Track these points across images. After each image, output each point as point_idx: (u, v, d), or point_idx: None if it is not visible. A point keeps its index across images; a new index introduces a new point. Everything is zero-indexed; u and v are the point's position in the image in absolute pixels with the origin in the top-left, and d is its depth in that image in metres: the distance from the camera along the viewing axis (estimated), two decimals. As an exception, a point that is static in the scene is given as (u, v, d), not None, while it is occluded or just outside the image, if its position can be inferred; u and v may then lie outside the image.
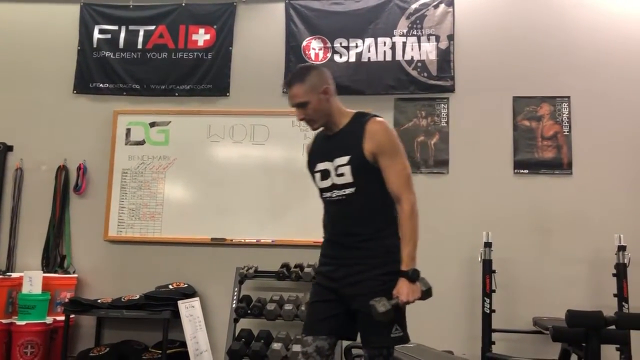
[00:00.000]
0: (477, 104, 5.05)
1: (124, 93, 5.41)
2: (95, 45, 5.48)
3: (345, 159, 2.34)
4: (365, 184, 2.34)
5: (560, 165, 4.91)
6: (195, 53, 5.38)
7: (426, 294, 2.25)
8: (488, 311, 4.45)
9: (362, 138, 2.32)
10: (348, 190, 2.35)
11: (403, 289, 2.22)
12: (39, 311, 4.69)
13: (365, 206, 2.34)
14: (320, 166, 2.43)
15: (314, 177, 2.49)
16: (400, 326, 2.30)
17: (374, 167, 2.33)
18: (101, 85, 5.45)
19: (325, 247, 2.48)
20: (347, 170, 2.34)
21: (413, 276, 2.23)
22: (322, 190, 2.45)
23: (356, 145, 2.33)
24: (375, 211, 2.34)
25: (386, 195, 2.34)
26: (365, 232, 2.34)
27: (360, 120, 2.38)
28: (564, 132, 4.95)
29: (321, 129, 2.48)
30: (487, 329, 4.41)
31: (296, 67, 2.47)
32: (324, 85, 2.41)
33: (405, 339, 2.32)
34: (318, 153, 2.47)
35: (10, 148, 5.45)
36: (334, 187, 2.38)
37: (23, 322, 4.62)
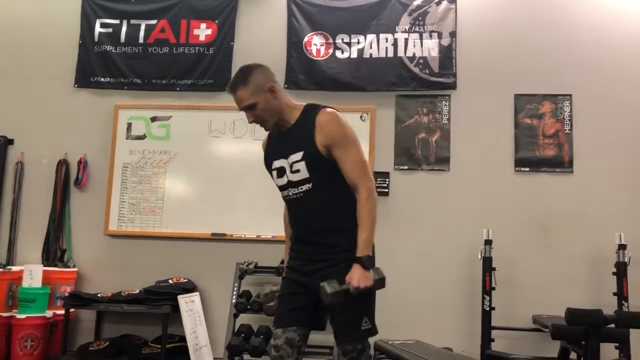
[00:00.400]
0: (478, 102, 5.05)
1: (125, 87, 5.41)
2: (96, 39, 5.47)
3: (299, 155, 2.31)
4: (323, 179, 2.31)
5: (561, 164, 4.91)
6: (197, 48, 5.38)
7: (379, 283, 2.22)
8: (488, 308, 4.45)
9: (314, 131, 2.28)
10: (305, 187, 2.33)
11: (355, 275, 2.19)
12: (39, 305, 4.70)
13: (325, 201, 2.32)
14: (276, 164, 2.40)
15: (271, 175, 2.46)
16: (369, 318, 2.30)
17: (329, 160, 2.29)
18: (102, 79, 5.44)
19: (294, 244, 2.47)
20: (302, 166, 2.31)
21: (366, 263, 2.21)
22: (280, 189, 2.43)
23: (308, 140, 2.29)
24: (336, 204, 2.31)
25: (347, 187, 2.31)
26: (329, 227, 2.32)
27: (311, 112, 2.34)
28: (566, 130, 4.94)
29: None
30: (487, 326, 4.41)
31: (238, 70, 2.42)
32: (269, 84, 2.34)
33: (373, 331, 2.32)
34: (273, 150, 2.44)
35: (11, 141, 5.45)
36: (290, 184, 2.36)
37: (23, 316, 4.63)
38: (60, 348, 4.71)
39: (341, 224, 2.30)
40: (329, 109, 2.35)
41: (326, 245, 2.31)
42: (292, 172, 2.33)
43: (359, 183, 2.27)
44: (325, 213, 2.31)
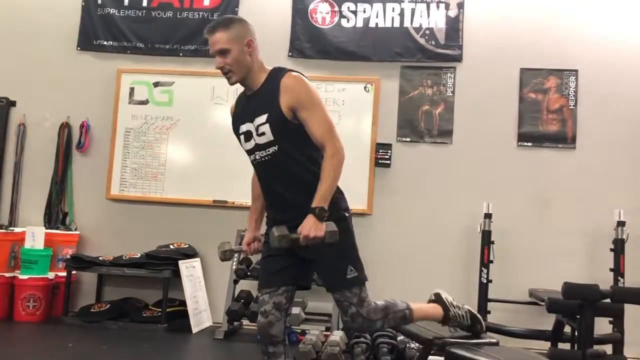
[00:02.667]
0: (483, 75, 5.01)
1: (128, 51, 5.36)
2: (99, 2, 5.41)
3: (263, 118, 2.30)
4: (288, 141, 2.30)
5: (564, 139, 4.90)
6: (201, 13, 5.32)
7: (329, 235, 2.18)
8: (485, 281, 4.50)
9: (278, 94, 2.26)
10: (271, 150, 2.32)
11: (306, 225, 2.17)
12: (41, 266, 4.75)
13: (291, 164, 2.30)
14: (243, 128, 2.39)
15: (239, 140, 2.46)
16: (354, 267, 2.32)
17: (293, 124, 2.28)
18: (105, 42, 5.39)
19: (267, 209, 2.48)
20: (266, 128, 2.30)
21: (319, 214, 2.18)
22: (248, 153, 2.42)
23: (272, 102, 2.27)
24: (304, 166, 2.30)
25: (312, 150, 2.30)
26: (296, 188, 2.31)
27: (276, 76, 2.32)
28: (570, 105, 4.92)
29: (240, 88, 2.43)
30: (483, 299, 4.47)
31: (222, 17, 2.41)
32: (248, 37, 2.32)
33: (361, 279, 2.33)
34: (240, 114, 2.43)
35: (13, 103, 5.43)
36: (257, 147, 2.35)
37: (26, 277, 4.69)
38: (62, 309, 4.78)
39: (307, 186, 2.27)
40: (294, 73, 2.33)
41: (294, 206, 2.29)
42: (257, 135, 2.33)
43: (326, 142, 2.26)
44: (292, 175, 2.30)
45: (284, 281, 2.34)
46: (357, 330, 2.31)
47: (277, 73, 2.34)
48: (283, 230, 2.20)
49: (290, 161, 2.31)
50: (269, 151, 2.33)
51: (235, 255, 4.75)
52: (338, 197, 2.34)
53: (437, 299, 2.58)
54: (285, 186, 2.33)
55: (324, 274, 2.38)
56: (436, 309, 2.55)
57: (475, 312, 2.61)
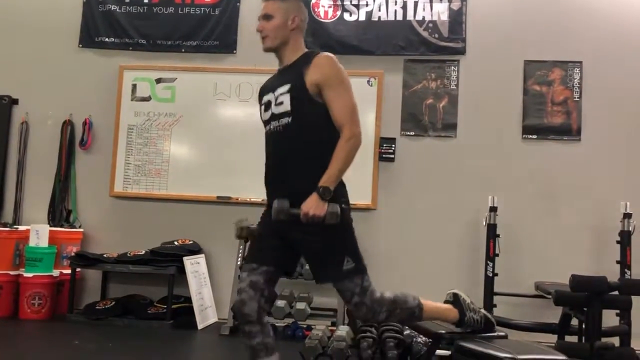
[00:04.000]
0: (487, 67, 4.99)
1: (130, 48, 5.35)
2: (100, -2, 5.40)
3: (286, 87, 2.31)
4: (304, 116, 2.28)
5: (569, 131, 4.87)
6: (202, 8, 5.29)
7: (330, 215, 2.16)
8: (491, 274, 4.49)
9: (307, 68, 2.28)
10: (284, 120, 2.30)
11: (308, 202, 2.17)
12: (46, 264, 4.75)
13: (303, 138, 2.27)
14: (265, 98, 2.40)
15: (260, 112, 2.45)
16: (350, 257, 2.28)
17: (315, 101, 2.27)
18: (107, 39, 5.38)
19: (268, 183, 2.43)
20: (286, 98, 2.30)
21: (323, 194, 2.16)
22: (264, 124, 2.41)
23: (299, 75, 2.29)
24: (314, 145, 2.26)
25: (330, 130, 2.27)
26: (301, 169, 2.28)
27: (311, 54, 2.36)
28: (575, 97, 4.89)
29: (275, 60, 2.45)
30: (489, 292, 4.46)
31: None
32: (295, 14, 2.39)
33: (360, 269, 2.29)
34: (267, 86, 2.44)
35: (15, 101, 5.43)
36: (272, 117, 2.34)
37: (30, 274, 4.69)
38: (67, 306, 4.78)
39: (313, 170, 2.23)
40: (328, 53, 2.36)
41: (294, 189, 2.26)
42: (276, 104, 2.33)
43: (345, 125, 2.24)
44: (300, 153, 2.26)
45: (265, 260, 2.30)
46: (362, 319, 2.28)
47: (312, 53, 2.38)
48: (284, 204, 2.19)
49: (301, 138, 2.29)
50: (281, 121, 2.31)
51: (242, 241, 4.65)
52: (338, 188, 2.31)
53: (455, 300, 2.52)
54: (290, 164, 2.29)
55: (316, 264, 2.33)
56: (451, 312, 2.49)
57: (490, 317, 2.55)
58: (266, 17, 2.38)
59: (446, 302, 2.54)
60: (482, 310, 2.55)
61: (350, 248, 2.30)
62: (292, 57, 2.39)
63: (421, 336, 3.47)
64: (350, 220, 2.34)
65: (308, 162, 2.27)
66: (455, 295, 2.54)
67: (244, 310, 2.26)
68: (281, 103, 2.31)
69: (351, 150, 2.23)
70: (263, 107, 2.41)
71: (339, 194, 2.30)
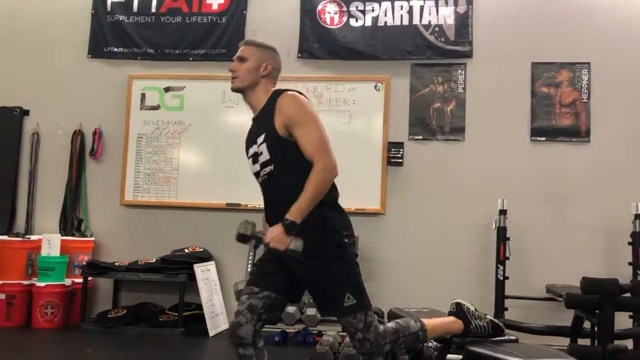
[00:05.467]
0: (495, 70, 4.98)
1: (139, 57, 5.39)
2: (109, 9, 5.44)
3: (262, 138, 2.33)
4: (284, 160, 2.29)
5: (578, 133, 4.85)
6: (210, 17, 5.33)
7: (291, 252, 2.13)
8: (501, 278, 4.46)
9: (274, 113, 2.30)
10: (268, 169, 2.33)
11: (272, 232, 2.17)
12: (58, 273, 4.78)
13: (288, 182, 2.27)
14: (251, 151, 2.43)
15: (249, 164, 2.47)
16: (352, 294, 2.24)
17: (290, 142, 2.28)
18: (115, 49, 5.43)
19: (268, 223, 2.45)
20: (264, 148, 2.33)
21: (289, 227, 2.13)
22: (255, 176, 2.43)
23: (269, 122, 2.30)
24: (299, 185, 2.22)
25: (309, 171, 2.24)
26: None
27: (274, 96, 2.36)
28: (583, 99, 4.87)
29: (244, 102, 2.49)
30: (500, 296, 4.43)
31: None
32: (268, 62, 2.43)
33: (362, 306, 2.25)
34: (249, 138, 2.46)
35: (26, 112, 5.49)
36: (260, 168, 2.37)
37: (43, 284, 4.72)
38: (80, 315, 4.81)
39: None
40: (289, 92, 2.34)
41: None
42: (259, 155, 2.36)
43: (315, 157, 2.23)
44: (288, 195, 2.23)
45: (267, 285, 2.30)
46: (366, 355, 2.23)
47: (276, 94, 2.37)
48: (247, 229, 2.23)
49: (285, 180, 2.29)
50: (266, 170, 2.34)
51: (252, 248, 4.67)
52: (337, 220, 2.30)
53: (458, 310, 2.51)
54: (280, 204, 2.27)
55: (317, 299, 2.34)
56: (455, 324, 2.48)
57: (497, 321, 2.54)
58: (240, 59, 2.44)
59: (450, 312, 2.52)
60: (488, 316, 2.53)
61: (350, 284, 2.26)
62: (260, 102, 2.41)
63: (432, 341, 3.46)
64: (352, 255, 2.30)
65: (297, 197, 2.22)
66: (458, 305, 2.52)
67: (239, 333, 2.26)
68: (262, 153, 2.34)
69: (322, 181, 2.20)
70: (251, 160, 2.43)
71: (339, 226, 2.29)
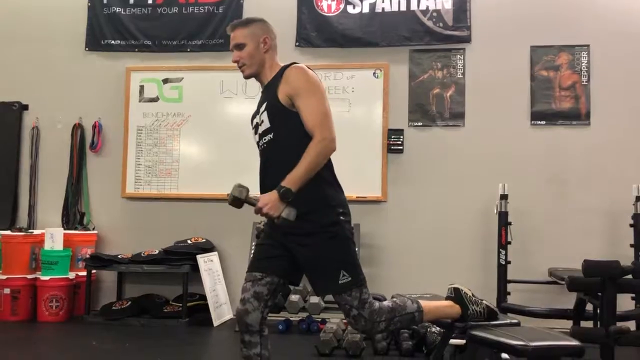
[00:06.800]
0: (493, 55, 4.96)
1: (136, 49, 5.38)
2: (105, 1, 5.42)
3: (264, 106, 2.34)
4: (284, 130, 2.29)
5: (578, 116, 4.84)
6: (206, 7, 5.31)
7: (283, 220, 2.12)
8: (504, 262, 4.47)
9: (279, 83, 2.31)
10: (268, 137, 2.33)
11: (265, 198, 2.15)
12: (62, 267, 4.81)
13: (287, 153, 2.24)
14: (254, 122, 2.43)
15: (253, 135, 2.48)
16: (347, 271, 2.23)
17: (291, 112, 2.28)
18: (113, 42, 5.41)
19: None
20: (265, 116, 2.33)
21: (283, 195, 2.12)
22: (257, 145, 2.43)
23: (274, 91, 2.31)
24: (297, 155, 2.20)
25: (310, 138, 2.24)
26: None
27: (282, 69, 2.37)
28: (583, 81, 4.85)
29: (254, 80, 2.46)
30: (503, 280, 4.44)
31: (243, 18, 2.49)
32: (264, 35, 2.41)
33: (357, 283, 2.24)
34: (255, 111, 2.46)
35: (25, 107, 5.48)
36: (260, 137, 2.38)
37: (47, 277, 4.75)
38: (84, 308, 4.84)
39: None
40: (297, 64, 2.37)
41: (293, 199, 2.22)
42: (260, 124, 2.37)
43: (315, 129, 2.22)
44: (285, 164, 2.22)
45: (269, 269, 2.28)
46: (361, 332, 2.22)
47: (284, 67, 2.38)
48: (242, 192, 2.18)
49: (285, 150, 2.28)
50: (266, 139, 2.34)
51: (255, 237, 4.69)
52: (334, 197, 2.28)
53: (456, 295, 2.50)
54: (277, 175, 2.25)
55: (312, 277, 2.33)
56: (452, 308, 2.48)
57: (493, 307, 2.55)
58: (238, 46, 2.41)
59: (447, 297, 2.53)
60: (484, 302, 2.54)
61: (346, 261, 2.25)
62: (269, 76, 2.41)
63: (435, 326, 3.48)
64: (347, 232, 2.29)
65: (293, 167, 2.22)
66: (456, 290, 2.52)
67: (247, 320, 2.25)
68: (262, 121, 2.34)
69: (320, 152, 2.20)
70: (254, 130, 2.44)
71: (336, 203, 2.28)
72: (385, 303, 2.34)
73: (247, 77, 2.46)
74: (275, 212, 2.14)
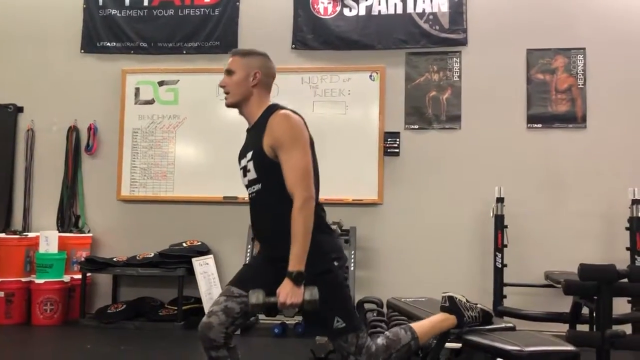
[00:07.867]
0: (490, 58, 4.96)
1: (132, 52, 5.36)
2: (100, 3, 5.41)
3: (250, 155, 2.29)
4: (270, 181, 2.23)
5: (574, 119, 4.84)
6: (202, 9, 5.30)
7: (308, 304, 2.07)
8: (500, 266, 4.47)
9: (264, 132, 2.23)
10: (256, 187, 2.29)
11: (283, 290, 2.08)
12: (57, 270, 4.78)
13: (273, 203, 2.23)
14: (242, 163, 2.37)
15: (240, 177, 2.43)
16: (341, 317, 2.19)
17: (276, 164, 2.21)
18: (108, 44, 5.39)
19: (259, 243, 2.45)
20: (251, 165, 2.28)
21: (297, 279, 2.08)
22: (246, 188, 2.38)
23: (259, 139, 2.24)
24: (285, 209, 2.16)
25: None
26: (277, 229, 2.20)
27: (268, 113, 2.28)
28: (579, 84, 4.85)
29: (238, 112, 2.42)
30: (499, 283, 4.44)
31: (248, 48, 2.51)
32: (256, 69, 2.34)
33: (352, 328, 2.20)
34: (242, 151, 2.41)
35: (20, 109, 5.46)
36: (248, 184, 2.34)
37: (42, 281, 4.72)
38: (79, 311, 4.82)
39: (288, 234, 2.15)
40: (282, 111, 2.27)
41: (277, 247, 2.21)
42: (247, 171, 2.32)
43: (294, 191, 2.16)
44: (275, 215, 2.21)
45: (247, 290, 2.17)
46: None
47: (270, 110, 2.31)
48: (259, 297, 2.10)
49: (271, 200, 2.24)
50: (254, 189, 2.30)
51: (250, 240, 4.68)
52: (327, 243, 2.24)
53: (451, 304, 2.48)
54: (266, 224, 2.25)
55: (308, 320, 2.30)
56: (446, 321, 2.46)
57: (488, 309, 2.54)
58: (228, 72, 2.36)
59: (442, 307, 2.51)
60: (479, 305, 2.53)
61: (339, 307, 2.20)
62: (254, 115, 2.35)
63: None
64: (340, 279, 2.25)
65: (281, 227, 2.17)
66: (450, 298, 2.50)
67: (210, 335, 2.17)
68: (249, 170, 2.30)
69: (306, 217, 2.13)
70: (242, 172, 2.38)
71: (328, 248, 2.23)
72: (379, 342, 2.28)
73: (228, 106, 2.39)
74: (298, 298, 2.08)
